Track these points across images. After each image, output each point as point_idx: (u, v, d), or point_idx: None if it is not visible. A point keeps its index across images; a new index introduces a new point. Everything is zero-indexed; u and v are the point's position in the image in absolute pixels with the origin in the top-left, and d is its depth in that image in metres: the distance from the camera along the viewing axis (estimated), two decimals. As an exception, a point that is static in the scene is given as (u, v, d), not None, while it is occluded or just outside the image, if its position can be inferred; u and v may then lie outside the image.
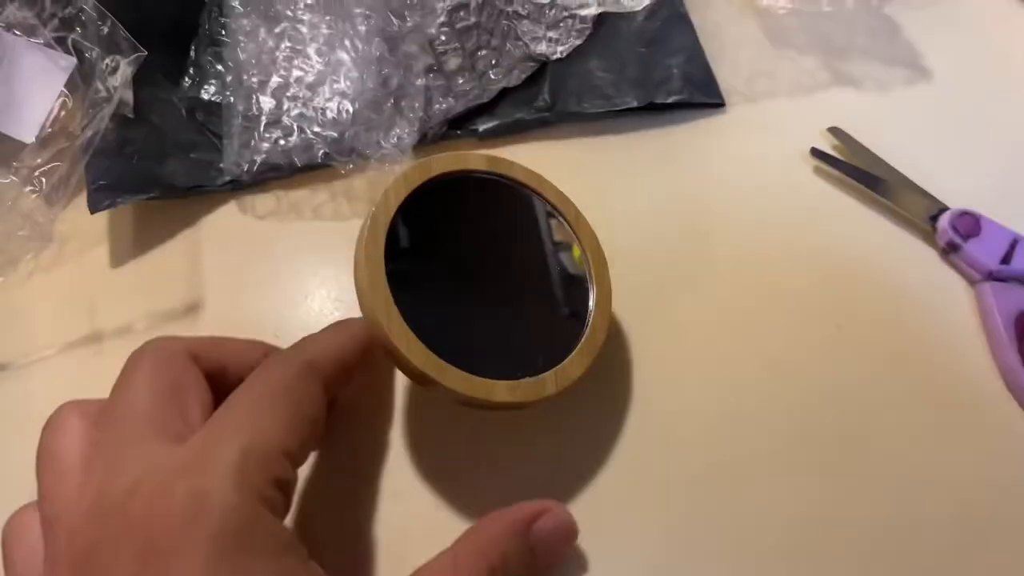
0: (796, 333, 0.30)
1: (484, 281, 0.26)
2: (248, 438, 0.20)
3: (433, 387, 0.23)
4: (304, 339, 0.25)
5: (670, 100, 0.35)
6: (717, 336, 0.31)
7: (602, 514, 0.27)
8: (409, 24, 0.35)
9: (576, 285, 0.27)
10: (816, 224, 0.33)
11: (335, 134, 0.32)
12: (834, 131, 0.34)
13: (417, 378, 0.23)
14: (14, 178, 0.32)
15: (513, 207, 0.28)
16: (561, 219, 0.28)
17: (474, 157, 0.27)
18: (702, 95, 0.35)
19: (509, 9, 0.36)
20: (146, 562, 0.18)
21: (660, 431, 0.29)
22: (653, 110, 0.35)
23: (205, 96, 0.34)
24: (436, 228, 0.26)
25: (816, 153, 0.34)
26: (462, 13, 0.36)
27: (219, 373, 0.24)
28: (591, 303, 0.27)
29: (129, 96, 0.31)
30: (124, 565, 0.18)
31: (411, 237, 0.25)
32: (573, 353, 0.26)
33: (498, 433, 0.28)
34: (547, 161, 0.34)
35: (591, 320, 0.27)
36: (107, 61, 0.32)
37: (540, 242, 0.28)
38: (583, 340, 0.26)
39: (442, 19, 0.36)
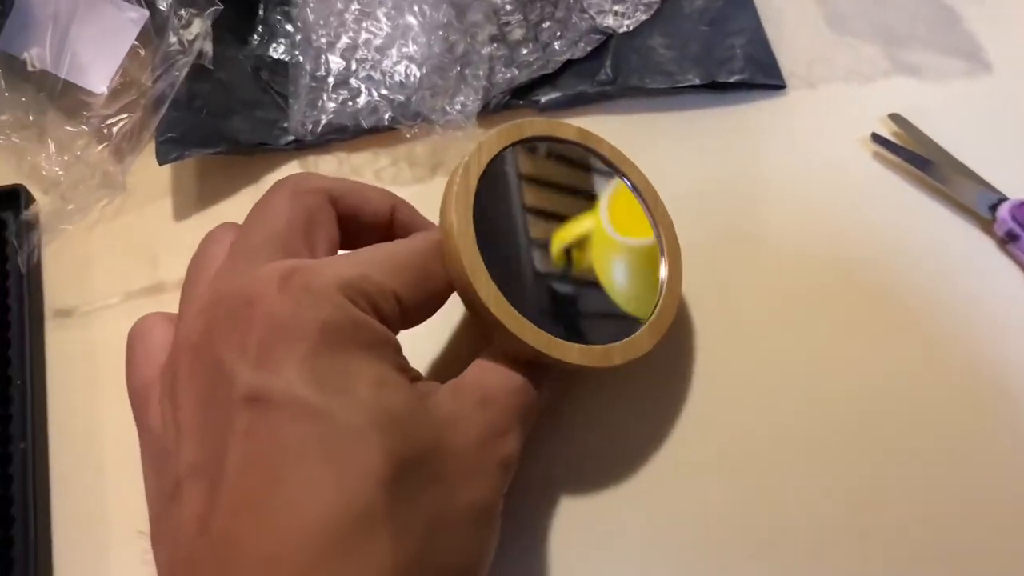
0: (848, 319, 0.31)
1: (560, 245, 0.27)
2: (367, 269, 0.22)
3: (509, 341, 0.24)
4: None
5: (732, 80, 0.35)
6: (768, 317, 0.31)
7: (651, 492, 0.28)
8: (476, -8, 0.35)
9: (648, 265, 0.28)
10: (874, 210, 0.33)
11: (402, 98, 0.33)
12: (895, 118, 0.34)
13: (492, 328, 0.24)
14: (84, 127, 0.33)
15: (595, 179, 0.28)
16: (641, 200, 0.28)
17: (565, 126, 0.28)
18: (764, 76, 0.35)
19: (575, -18, 0.36)
20: (261, 342, 0.19)
21: (710, 408, 0.29)
22: (713, 89, 0.35)
23: (274, 55, 0.34)
24: (520, 187, 0.27)
25: (877, 139, 0.34)
26: (527, -16, 0.37)
27: (351, 218, 0.25)
28: (662, 284, 0.27)
29: (209, 48, 0.31)
30: (238, 344, 0.19)
31: (497, 192, 0.25)
32: (643, 328, 0.26)
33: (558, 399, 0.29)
34: (606, 135, 0.35)
35: (661, 299, 0.27)
36: (181, 13, 0.32)
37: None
38: (652, 317, 0.27)
39: (506, -11, 0.36)
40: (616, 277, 0.27)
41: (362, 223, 0.26)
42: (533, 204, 0.27)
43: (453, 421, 0.22)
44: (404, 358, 0.22)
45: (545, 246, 0.27)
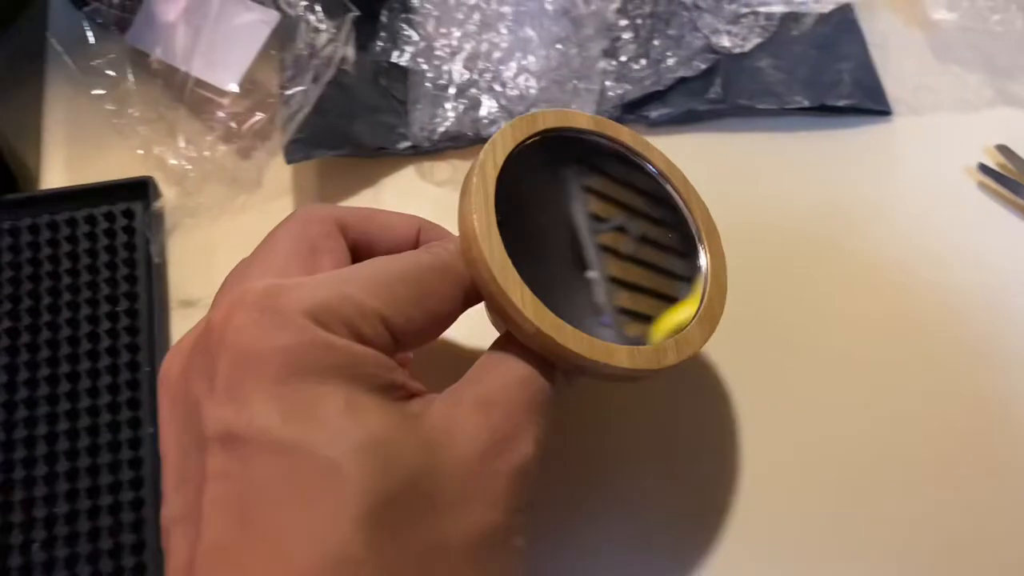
0: (942, 345, 0.31)
1: (590, 241, 0.25)
2: (348, 288, 0.20)
3: (550, 348, 0.21)
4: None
5: (840, 104, 0.36)
6: (857, 337, 0.32)
7: (698, 508, 0.28)
8: (592, 8, 0.36)
9: (688, 253, 0.26)
10: (978, 238, 0.34)
11: (521, 109, 0.34)
12: (1001, 149, 0.35)
13: (530, 337, 0.21)
14: (213, 125, 0.34)
15: (619, 169, 0.26)
16: (668, 185, 0.26)
17: (581, 116, 0.26)
18: (871, 101, 0.36)
19: (688, 1, 0.37)
20: (228, 374, 0.18)
21: (768, 430, 0.30)
22: (820, 112, 0.36)
23: (398, 61, 0.35)
24: (541, 183, 0.25)
25: (984, 169, 0.34)
26: (637, 0, 0.37)
27: (365, 246, 0.24)
28: (704, 273, 0.25)
29: (351, 53, 0.32)
30: (207, 378, 0.19)
31: (517, 190, 0.23)
32: (693, 322, 0.24)
33: (590, 415, 0.30)
34: (714, 151, 0.36)
35: (707, 289, 0.25)
36: (312, 18, 0.33)
37: (645, 207, 0.26)
38: (701, 310, 0.24)
39: (617, 5, 0.37)
40: (648, 273, 0.25)
41: (381, 250, 0.24)
42: (557, 199, 0.25)
43: (448, 435, 0.19)
44: (398, 376, 0.20)
45: (575, 243, 0.24)
